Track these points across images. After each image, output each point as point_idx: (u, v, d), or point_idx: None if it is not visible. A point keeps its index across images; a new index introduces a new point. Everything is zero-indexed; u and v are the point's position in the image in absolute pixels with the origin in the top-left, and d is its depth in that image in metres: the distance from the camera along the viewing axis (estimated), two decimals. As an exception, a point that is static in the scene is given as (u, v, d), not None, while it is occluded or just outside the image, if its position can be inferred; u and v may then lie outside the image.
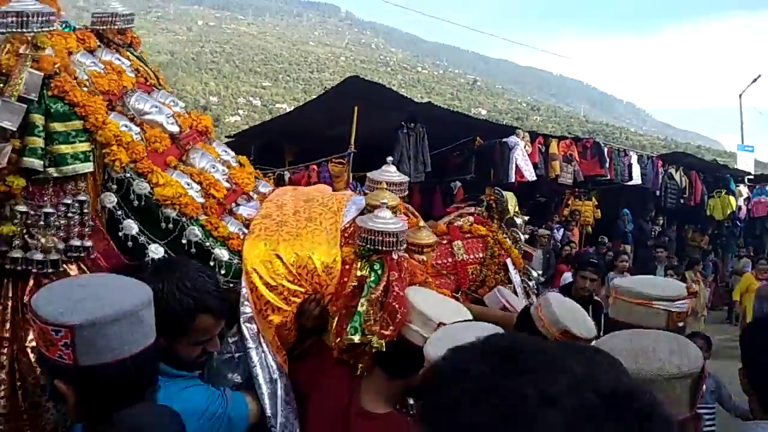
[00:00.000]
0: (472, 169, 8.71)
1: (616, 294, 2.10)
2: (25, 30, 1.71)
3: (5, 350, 1.76)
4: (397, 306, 1.83)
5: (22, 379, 1.75)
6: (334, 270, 1.99)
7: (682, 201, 11.85)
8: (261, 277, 1.93)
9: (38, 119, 1.73)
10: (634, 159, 10.76)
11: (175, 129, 2.10)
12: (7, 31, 1.70)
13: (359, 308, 1.87)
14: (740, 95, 20.05)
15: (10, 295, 1.78)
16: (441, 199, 9.19)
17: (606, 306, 3.60)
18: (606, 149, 10.12)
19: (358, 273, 1.96)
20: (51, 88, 1.79)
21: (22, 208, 1.72)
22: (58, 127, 1.79)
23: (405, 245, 2.08)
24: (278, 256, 1.96)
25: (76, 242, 1.78)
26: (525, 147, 8.69)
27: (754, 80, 19.63)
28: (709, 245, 13.38)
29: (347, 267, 2.01)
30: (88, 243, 1.81)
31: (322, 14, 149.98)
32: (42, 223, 1.74)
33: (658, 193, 11.37)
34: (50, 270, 1.74)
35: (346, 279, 1.99)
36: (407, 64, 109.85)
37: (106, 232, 1.90)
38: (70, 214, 1.77)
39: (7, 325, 1.77)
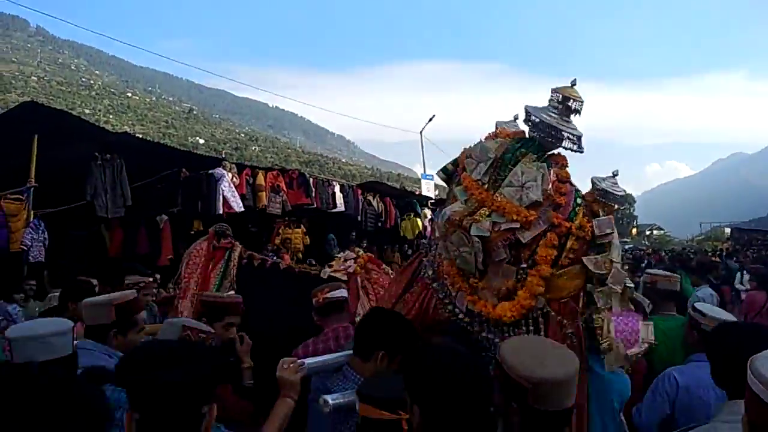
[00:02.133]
0: (179, 201, 8.47)
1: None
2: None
3: None
4: None
5: None
6: None
7: (379, 224, 13.26)
8: None
9: None
10: (337, 188, 11.69)
11: None
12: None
13: None
14: (421, 131, 23.51)
15: None
16: (146, 234, 8.70)
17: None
18: (311, 180, 10.79)
19: None
20: None
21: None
22: None
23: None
24: None
25: None
26: (232, 179, 8.78)
27: (430, 119, 23.22)
28: (402, 261, 15.21)
29: None
30: None
31: (4, 26, 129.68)
32: None
33: (359, 218, 12.48)
34: None
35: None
36: (115, 89, 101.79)
37: None
38: None
39: None
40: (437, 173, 3.01)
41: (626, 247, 39.00)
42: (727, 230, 50.02)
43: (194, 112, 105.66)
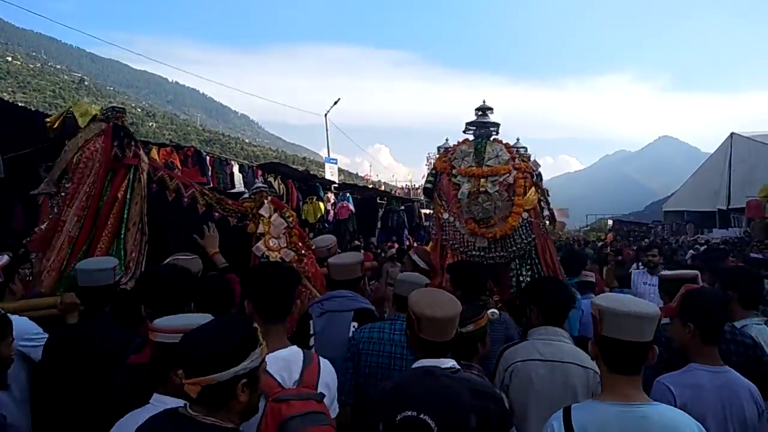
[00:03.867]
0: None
1: None
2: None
3: None
4: None
5: None
6: None
7: (280, 207, 13.03)
8: None
9: None
10: (236, 168, 11.35)
11: None
12: None
13: None
14: (325, 115, 23.37)
15: None
16: (23, 210, 8.02)
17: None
18: (208, 158, 10.41)
19: None
20: None
21: None
22: None
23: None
24: None
25: None
26: (122, 153, 8.29)
27: (335, 103, 23.13)
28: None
29: None
30: None
31: None
32: None
33: (259, 199, 12.20)
34: None
35: None
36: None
37: None
38: None
39: None
40: (424, 192, 5.18)
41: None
42: (610, 222, 53.95)
43: (86, 83, 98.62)
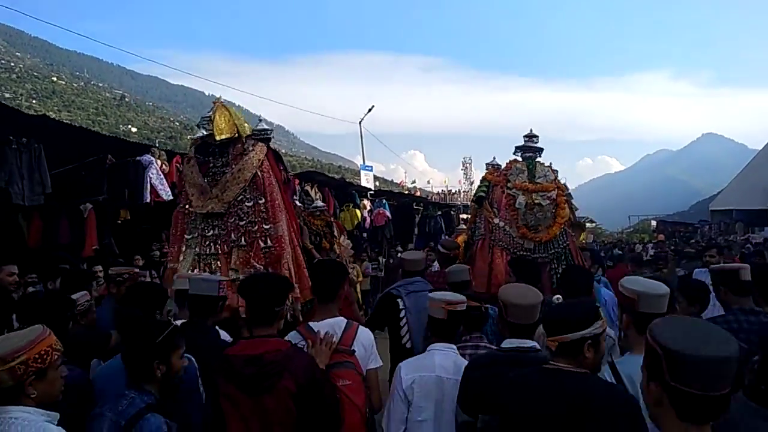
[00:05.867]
0: (104, 189, 8.06)
1: None
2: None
3: None
4: None
5: None
6: None
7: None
8: None
9: None
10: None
11: None
12: None
13: None
14: (360, 122, 23.37)
15: None
16: (68, 223, 8.23)
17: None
18: (246, 168, 10.48)
19: None
20: None
21: None
22: None
23: None
24: None
25: None
26: (162, 166, 8.42)
27: (369, 110, 23.09)
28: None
29: None
30: None
31: None
32: None
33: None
34: None
35: None
36: (39, 72, 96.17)
37: None
38: None
39: None
40: (476, 200, 5.84)
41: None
42: (653, 223, 52.49)
43: (126, 99, 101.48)
